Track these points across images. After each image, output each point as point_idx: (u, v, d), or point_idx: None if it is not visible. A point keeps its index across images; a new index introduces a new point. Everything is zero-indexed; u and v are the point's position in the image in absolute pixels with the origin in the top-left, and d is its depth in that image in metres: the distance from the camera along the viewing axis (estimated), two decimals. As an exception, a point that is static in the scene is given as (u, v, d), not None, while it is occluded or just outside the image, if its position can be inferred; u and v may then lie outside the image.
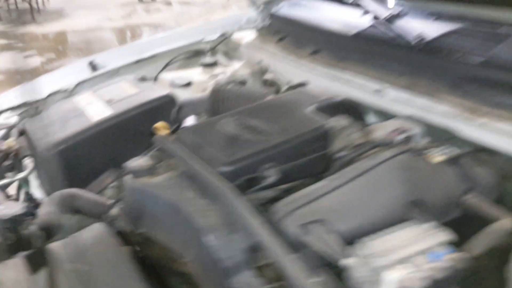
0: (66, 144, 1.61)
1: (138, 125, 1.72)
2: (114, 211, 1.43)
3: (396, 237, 1.07)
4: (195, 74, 2.16)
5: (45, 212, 1.38)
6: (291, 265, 0.96)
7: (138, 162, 1.34)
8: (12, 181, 1.58)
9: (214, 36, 2.39)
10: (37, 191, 1.75)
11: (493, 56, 1.35)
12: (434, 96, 1.39)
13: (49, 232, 1.36)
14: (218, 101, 1.76)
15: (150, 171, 1.32)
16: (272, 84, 2.06)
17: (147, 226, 1.29)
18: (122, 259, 1.11)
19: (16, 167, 1.61)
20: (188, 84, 1.96)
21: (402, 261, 1.00)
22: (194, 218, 1.14)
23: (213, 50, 2.36)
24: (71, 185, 1.65)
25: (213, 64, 2.17)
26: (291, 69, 1.97)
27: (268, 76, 2.07)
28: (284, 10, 2.25)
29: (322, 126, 1.34)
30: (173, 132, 1.70)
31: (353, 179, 1.21)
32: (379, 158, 1.26)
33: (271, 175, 1.23)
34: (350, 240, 1.10)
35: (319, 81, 1.78)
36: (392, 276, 0.98)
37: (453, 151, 1.27)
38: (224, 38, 2.37)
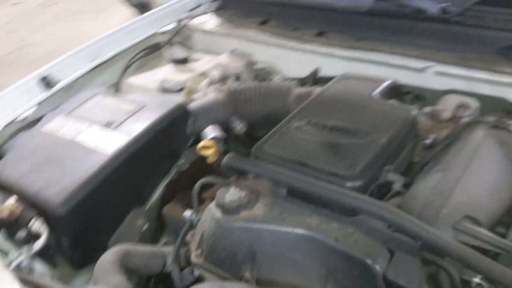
0: (87, 190, 1.26)
1: (157, 147, 1.43)
2: (193, 259, 1.18)
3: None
4: (168, 73, 1.87)
5: (114, 285, 1.08)
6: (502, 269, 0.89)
7: (230, 196, 1.11)
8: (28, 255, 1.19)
9: (169, 25, 2.08)
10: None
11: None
12: (492, 69, 1.39)
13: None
14: (240, 103, 1.55)
15: (249, 204, 1.10)
16: (265, 76, 1.89)
17: (261, 268, 1.09)
18: None
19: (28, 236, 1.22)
20: (182, 89, 1.68)
21: None
22: (345, 246, 0.99)
23: (171, 41, 2.07)
24: (96, 238, 1.33)
25: (185, 60, 1.90)
26: (290, 55, 1.81)
27: (259, 66, 1.88)
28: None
29: (411, 114, 1.25)
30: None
31: (468, 167, 1.16)
32: (475, 140, 1.23)
33: (396, 179, 1.12)
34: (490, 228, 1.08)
35: (337, 65, 1.67)
36: None
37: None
38: (182, 26, 2.08)
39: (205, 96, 1.70)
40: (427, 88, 1.53)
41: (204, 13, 2.17)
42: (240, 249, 1.09)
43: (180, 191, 1.51)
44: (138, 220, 1.37)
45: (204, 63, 1.94)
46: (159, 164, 1.46)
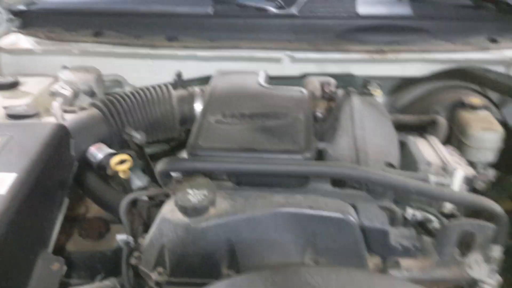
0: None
1: (49, 178, 1.21)
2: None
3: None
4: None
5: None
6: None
7: (194, 197, 1.04)
8: None
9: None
10: None
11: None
12: (339, 49, 1.65)
13: None
14: (120, 115, 1.43)
15: (213, 201, 1.06)
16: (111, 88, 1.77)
17: (242, 259, 1.06)
18: None
19: None
20: (37, 114, 1.44)
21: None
22: (319, 211, 1.06)
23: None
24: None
25: (15, 84, 1.62)
26: (137, 64, 1.74)
27: (108, 78, 1.74)
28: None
29: (305, 93, 1.41)
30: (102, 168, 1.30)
31: (364, 126, 1.38)
32: (357, 105, 1.47)
33: (326, 146, 1.27)
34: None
35: (195, 67, 1.70)
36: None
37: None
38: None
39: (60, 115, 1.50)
40: (285, 75, 1.72)
41: (5, 33, 1.87)
42: (217, 247, 1.05)
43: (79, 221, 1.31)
44: (53, 265, 1.13)
45: (34, 85, 1.69)
46: (52, 197, 1.23)
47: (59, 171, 1.27)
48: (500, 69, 1.76)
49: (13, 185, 1.08)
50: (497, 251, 1.08)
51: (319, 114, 1.46)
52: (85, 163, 1.37)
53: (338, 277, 0.89)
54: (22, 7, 1.96)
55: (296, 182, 1.17)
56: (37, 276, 1.11)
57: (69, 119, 1.41)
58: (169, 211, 1.07)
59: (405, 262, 1.09)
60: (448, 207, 1.29)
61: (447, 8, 1.80)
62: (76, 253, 1.27)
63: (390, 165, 1.27)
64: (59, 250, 1.29)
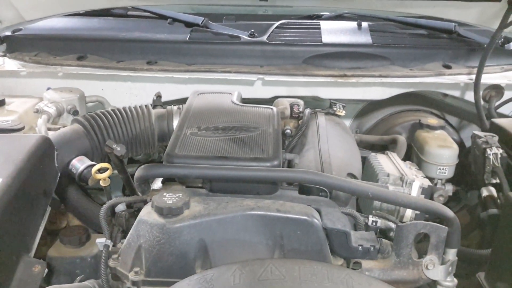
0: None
1: (32, 186, 1.28)
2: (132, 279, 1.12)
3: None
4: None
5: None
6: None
7: (170, 199, 1.13)
8: None
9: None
10: None
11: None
12: (306, 74, 1.79)
13: None
14: (102, 130, 1.52)
15: (188, 204, 1.15)
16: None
17: (214, 258, 1.14)
18: None
19: None
20: (23, 127, 1.52)
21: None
22: (286, 213, 1.15)
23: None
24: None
25: (1, 103, 1.71)
26: (118, 86, 1.84)
27: (90, 99, 1.84)
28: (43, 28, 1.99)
29: (275, 111, 1.52)
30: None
31: (329, 141, 1.50)
32: (322, 123, 1.59)
33: (294, 157, 1.37)
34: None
35: (173, 88, 1.81)
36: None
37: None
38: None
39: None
40: (257, 98, 1.84)
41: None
42: (191, 246, 1.12)
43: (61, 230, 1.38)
44: (34, 267, 1.19)
45: (20, 104, 1.78)
46: (36, 204, 1.30)
47: (43, 180, 1.34)
48: (456, 93, 1.92)
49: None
50: (451, 254, 1.17)
51: (288, 130, 1.58)
52: (67, 176, 1.45)
53: (301, 268, 0.98)
54: (8, 33, 2.06)
55: (265, 189, 1.26)
56: (19, 277, 1.17)
57: (53, 133, 1.49)
58: (146, 213, 1.15)
59: (366, 263, 1.18)
60: (407, 215, 1.40)
61: (404, 37, 1.98)
62: (57, 259, 1.32)
63: (352, 175, 1.38)
64: (40, 259, 1.36)
